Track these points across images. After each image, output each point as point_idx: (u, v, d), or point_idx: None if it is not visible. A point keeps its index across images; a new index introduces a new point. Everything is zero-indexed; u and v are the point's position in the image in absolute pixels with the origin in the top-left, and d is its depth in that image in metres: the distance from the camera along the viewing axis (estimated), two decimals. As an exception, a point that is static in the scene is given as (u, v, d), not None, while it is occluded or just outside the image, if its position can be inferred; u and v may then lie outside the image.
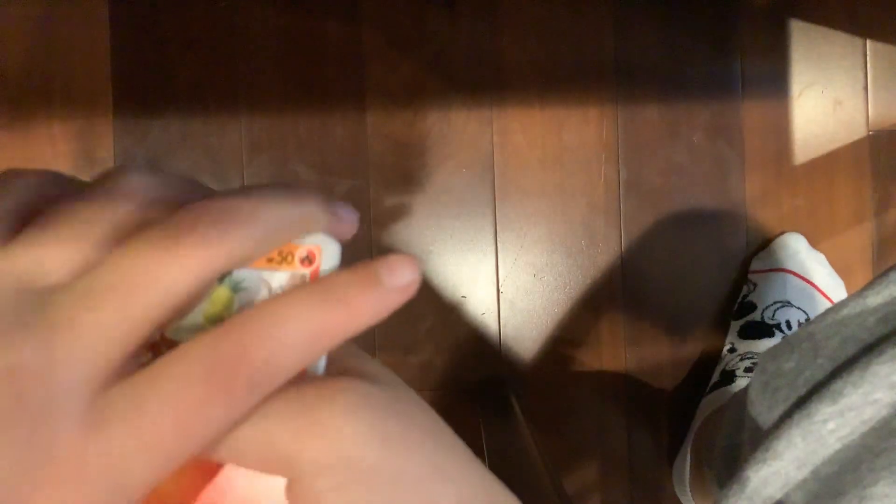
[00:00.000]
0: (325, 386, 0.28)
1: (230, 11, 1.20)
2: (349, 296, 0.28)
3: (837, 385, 0.56)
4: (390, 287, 0.29)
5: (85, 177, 1.15)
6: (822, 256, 1.21)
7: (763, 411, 0.66)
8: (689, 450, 1.12)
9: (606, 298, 1.22)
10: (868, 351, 0.57)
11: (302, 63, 1.20)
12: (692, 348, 1.23)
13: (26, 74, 1.18)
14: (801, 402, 0.59)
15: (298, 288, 0.28)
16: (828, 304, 1.18)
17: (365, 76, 1.21)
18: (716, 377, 1.18)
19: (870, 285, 0.61)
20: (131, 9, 1.19)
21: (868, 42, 1.25)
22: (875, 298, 0.60)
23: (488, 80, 1.22)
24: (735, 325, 1.21)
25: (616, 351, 1.22)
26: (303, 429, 0.27)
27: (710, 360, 1.23)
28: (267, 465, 0.27)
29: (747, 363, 1.13)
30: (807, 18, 1.24)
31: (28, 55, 1.18)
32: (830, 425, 0.56)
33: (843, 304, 0.62)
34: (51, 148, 1.17)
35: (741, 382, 1.11)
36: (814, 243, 1.22)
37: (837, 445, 0.56)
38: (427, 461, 0.29)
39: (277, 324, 0.27)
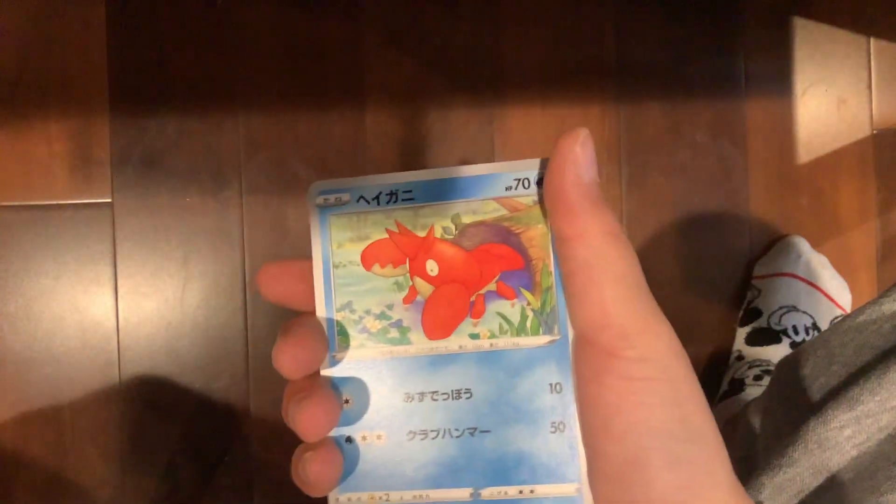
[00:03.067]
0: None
1: (228, 9, 1.19)
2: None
3: (854, 392, 0.56)
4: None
5: (81, 176, 1.14)
6: (825, 259, 1.20)
7: (778, 418, 0.65)
8: None
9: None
10: (884, 358, 0.56)
11: (301, 61, 1.20)
12: (697, 350, 1.23)
13: (22, 73, 1.17)
14: (817, 409, 0.58)
15: None
16: (834, 308, 1.17)
17: (364, 75, 1.20)
18: (725, 386, 1.17)
19: (886, 292, 0.60)
20: (128, 7, 1.18)
21: (872, 40, 1.24)
22: (891, 305, 0.59)
23: (489, 78, 1.21)
24: (741, 332, 1.20)
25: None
26: (642, 320, 0.33)
27: (717, 363, 1.22)
28: (600, 334, 0.33)
29: (756, 371, 1.13)
30: (810, 16, 1.24)
31: (24, 53, 1.17)
32: (847, 432, 0.56)
33: (859, 311, 0.62)
34: (47, 147, 1.16)
35: (751, 391, 1.10)
36: (817, 243, 1.22)
37: (854, 452, 0.56)
38: (700, 405, 0.34)
39: None
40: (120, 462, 1.17)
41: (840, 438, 0.56)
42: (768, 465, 0.59)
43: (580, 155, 0.33)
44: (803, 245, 1.20)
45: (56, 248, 1.16)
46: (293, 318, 0.37)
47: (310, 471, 0.35)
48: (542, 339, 0.36)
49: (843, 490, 0.56)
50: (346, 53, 1.20)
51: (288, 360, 0.35)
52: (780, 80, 1.24)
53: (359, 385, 0.37)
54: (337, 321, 0.37)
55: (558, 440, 0.36)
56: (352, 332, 0.37)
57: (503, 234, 0.37)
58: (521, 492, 0.36)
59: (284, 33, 1.20)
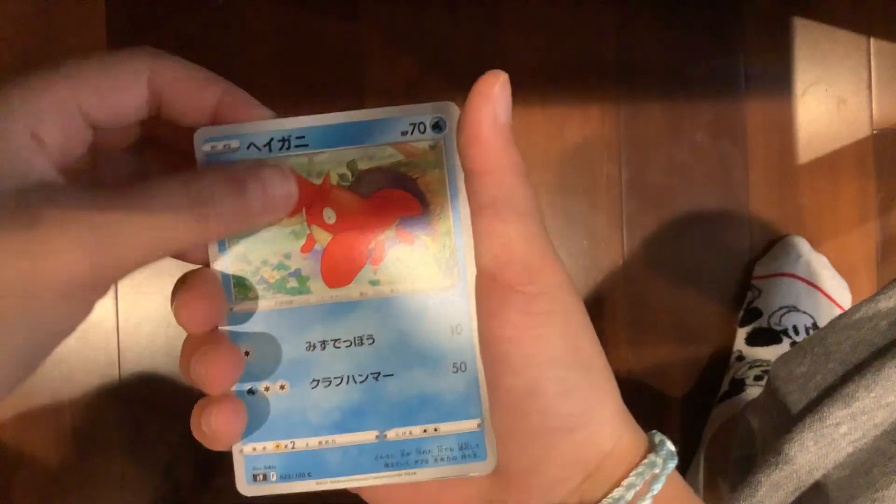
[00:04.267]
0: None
1: (228, 9, 1.19)
2: (214, 200, 0.33)
3: (850, 389, 0.56)
4: (256, 199, 0.34)
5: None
6: (824, 259, 1.20)
7: (775, 416, 0.65)
8: (701, 460, 1.12)
9: (608, 299, 1.22)
10: (880, 355, 0.57)
11: (300, 61, 1.20)
12: (698, 350, 1.23)
13: (22, 73, 1.17)
14: (813, 406, 0.59)
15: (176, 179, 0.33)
16: (834, 307, 1.17)
17: (364, 74, 1.20)
18: (725, 386, 1.17)
19: (882, 290, 0.61)
20: (128, 6, 1.18)
21: (872, 40, 1.24)
22: (887, 303, 0.60)
23: (489, 78, 1.21)
24: (742, 333, 1.20)
25: (618, 353, 1.22)
26: (541, 256, 0.35)
27: (718, 363, 1.22)
28: (504, 269, 0.35)
29: (756, 371, 1.13)
30: (810, 16, 1.24)
31: (24, 53, 1.17)
32: (843, 429, 0.56)
33: (855, 308, 0.62)
34: (47, 147, 1.16)
35: (751, 391, 1.11)
36: (817, 243, 1.22)
37: (849, 449, 0.56)
38: (590, 337, 0.37)
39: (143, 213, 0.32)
40: (120, 462, 1.17)
41: (836, 435, 0.56)
42: (765, 461, 0.60)
43: (498, 95, 0.34)
44: (803, 245, 1.20)
45: (56, 248, 1.16)
46: (188, 272, 0.37)
47: (213, 423, 0.36)
48: (443, 283, 0.37)
49: (839, 486, 0.56)
50: (346, 53, 1.20)
51: (187, 314, 0.35)
52: (780, 80, 1.24)
53: (259, 336, 0.37)
54: (233, 274, 0.37)
55: (459, 379, 0.37)
56: (249, 283, 0.37)
57: (400, 180, 0.37)
58: (424, 430, 0.37)
59: (284, 34, 1.19)
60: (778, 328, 1.15)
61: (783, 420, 0.63)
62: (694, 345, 1.22)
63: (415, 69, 1.21)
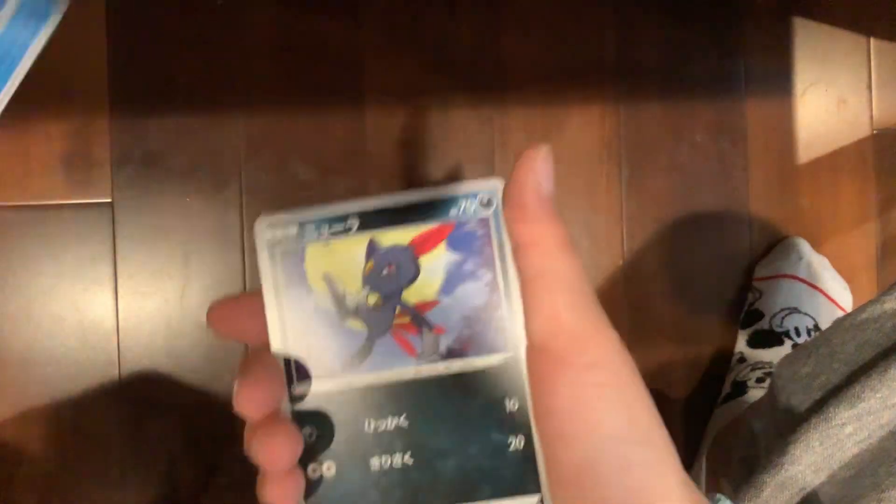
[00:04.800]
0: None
1: (228, 9, 1.19)
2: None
3: (855, 389, 0.56)
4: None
5: (81, 176, 1.14)
6: (825, 260, 1.20)
7: (779, 416, 0.65)
8: (703, 462, 1.12)
9: (608, 299, 1.22)
10: (886, 356, 0.57)
11: (300, 61, 1.19)
12: (698, 351, 1.23)
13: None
14: (819, 407, 0.59)
15: None
16: (835, 309, 1.18)
17: (364, 74, 1.20)
18: (727, 388, 1.17)
19: (887, 291, 0.61)
20: (128, 7, 1.18)
21: (872, 40, 1.24)
22: (892, 304, 0.60)
23: (489, 78, 1.21)
24: (743, 335, 1.20)
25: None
26: (592, 326, 0.35)
27: (719, 364, 1.22)
28: (553, 340, 0.35)
29: (758, 373, 1.13)
30: (810, 16, 1.24)
31: (24, 53, 1.17)
32: (848, 429, 0.56)
33: (860, 309, 0.62)
34: (47, 147, 1.16)
35: (753, 393, 1.11)
36: (817, 243, 1.22)
37: (855, 449, 0.56)
38: (648, 408, 0.36)
39: None
40: (120, 462, 1.17)
41: (841, 436, 0.56)
42: (770, 463, 0.60)
43: (541, 168, 0.35)
44: (804, 247, 1.20)
45: (56, 248, 1.16)
46: (247, 358, 0.38)
47: (272, 496, 0.35)
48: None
49: (844, 487, 0.56)
50: (346, 53, 1.20)
51: (247, 403, 0.36)
52: (780, 80, 1.24)
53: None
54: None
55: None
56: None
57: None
58: None
59: (284, 34, 1.19)
60: (779, 330, 1.16)
61: (787, 420, 0.63)
62: (695, 346, 1.22)
63: (414, 70, 1.21)
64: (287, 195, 1.18)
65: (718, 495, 0.37)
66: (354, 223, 0.37)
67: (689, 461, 1.19)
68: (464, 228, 0.37)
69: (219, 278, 1.17)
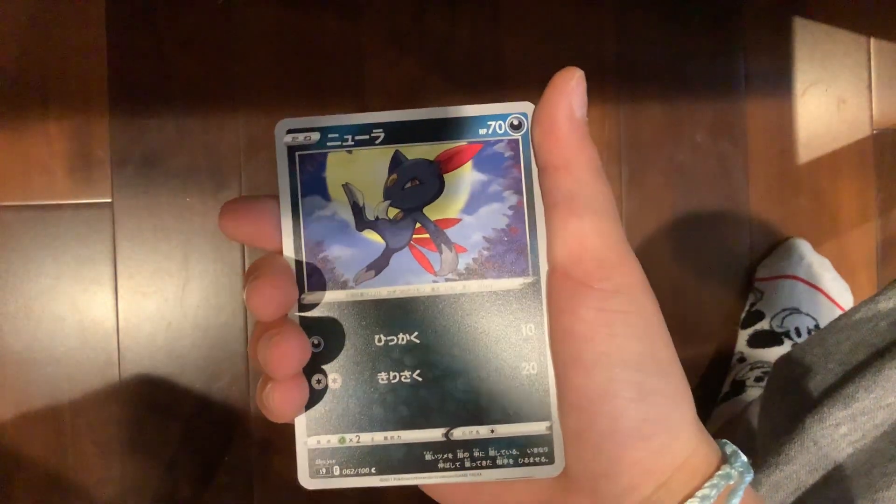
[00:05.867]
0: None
1: (228, 9, 1.19)
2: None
3: (849, 389, 0.56)
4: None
5: (81, 176, 1.14)
6: (826, 261, 1.20)
7: (775, 416, 0.65)
8: None
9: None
10: (880, 356, 0.57)
11: (300, 60, 1.20)
12: (698, 351, 1.22)
13: (22, 73, 1.17)
14: (813, 407, 0.58)
15: None
16: (836, 310, 1.17)
17: (364, 74, 1.20)
18: (726, 387, 1.17)
19: (882, 291, 0.61)
20: (128, 6, 1.18)
21: (872, 40, 1.24)
22: (887, 303, 0.60)
23: (489, 78, 1.21)
24: (743, 335, 1.20)
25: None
26: (617, 254, 0.35)
27: (719, 364, 1.22)
28: (577, 265, 0.35)
29: (757, 373, 1.13)
30: (810, 16, 1.24)
31: (23, 53, 1.17)
32: (843, 430, 0.56)
33: (854, 309, 0.62)
34: (47, 147, 1.16)
35: (752, 392, 1.11)
36: (817, 243, 1.22)
37: (849, 450, 0.56)
38: (667, 342, 0.36)
39: None
40: (120, 462, 1.17)
41: (836, 436, 0.56)
42: (765, 462, 0.59)
43: (574, 90, 0.35)
44: (805, 247, 1.20)
45: (56, 248, 1.16)
46: (260, 258, 0.37)
47: (274, 398, 0.35)
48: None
49: (839, 487, 0.56)
50: (346, 53, 1.20)
51: (261, 300, 0.35)
52: (780, 80, 1.24)
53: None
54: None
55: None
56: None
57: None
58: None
59: (284, 33, 1.20)
60: (780, 330, 1.15)
61: (782, 420, 0.63)
62: (695, 345, 1.22)
63: (415, 69, 1.21)
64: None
65: (725, 441, 0.37)
66: (380, 135, 0.37)
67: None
68: (492, 149, 0.37)
69: (219, 278, 1.17)
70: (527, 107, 0.37)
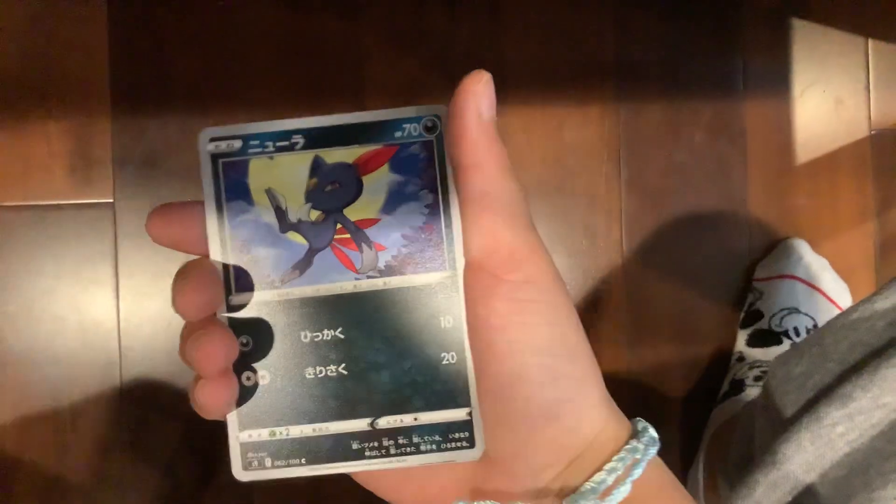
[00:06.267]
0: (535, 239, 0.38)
1: (228, 9, 1.19)
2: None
3: (846, 389, 0.56)
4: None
5: (81, 176, 1.14)
6: (825, 261, 1.20)
7: (772, 416, 0.66)
8: (701, 460, 1.12)
9: (607, 299, 1.22)
10: (877, 355, 0.57)
11: (301, 61, 1.20)
12: (698, 351, 1.23)
13: (22, 72, 1.17)
14: (810, 406, 0.59)
15: None
16: (834, 309, 1.18)
17: (364, 74, 1.20)
18: (725, 387, 1.18)
19: (879, 290, 0.61)
20: (129, 7, 1.18)
21: (870, 41, 1.24)
22: (884, 303, 0.60)
23: (488, 78, 1.21)
24: (742, 334, 1.20)
25: (618, 353, 1.22)
26: (528, 246, 0.37)
27: (718, 363, 1.22)
28: (490, 258, 0.37)
29: (756, 372, 1.13)
30: (809, 17, 1.24)
31: (24, 53, 1.17)
32: (839, 429, 0.56)
33: (852, 308, 0.63)
34: (47, 147, 1.16)
35: (750, 391, 1.11)
36: (816, 243, 1.22)
37: (846, 449, 0.56)
38: (576, 327, 0.38)
39: None
40: (120, 462, 1.17)
41: (833, 435, 0.56)
42: (762, 462, 0.60)
43: (482, 93, 0.36)
44: (804, 247, 1.20)
45: (56, 248, 1.16)
46: (188, 261, 0.38)
47: (204, 395, 0.36)
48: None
49: (836, 486, 0.56)
50: (346, 53, 1.20)
51: (183, 301, 0.36)
52: (778, 81, 1.24)
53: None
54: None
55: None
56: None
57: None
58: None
59: (284, 34, 1.20)
60: (779, 330, 1.16)
61: (780, 420, 0.63)
62: (694, 345, 1.22)
63: (415, 69, 1.21)
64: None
65: (638, 418, 0.39)
66: (300, 140, 0.38)
67: (687, 459, 1.19)
68: (407, 150, 0.38)
69: (219, 278, 1.17)
70: (440, 109, 0.38)
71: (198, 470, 1.18)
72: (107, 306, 1.17)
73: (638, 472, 0.37)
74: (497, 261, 0.37)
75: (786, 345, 1.15)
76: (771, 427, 0.66)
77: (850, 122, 1.24)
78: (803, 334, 1.15)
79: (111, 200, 1.17)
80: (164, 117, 1.18)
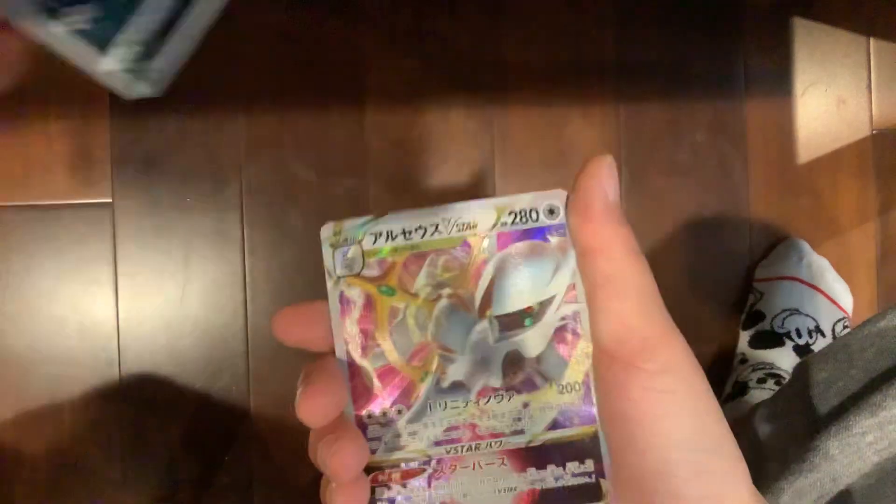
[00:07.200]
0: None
1: (228, 10, 1.18)
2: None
3: (877, 398, 0.56)
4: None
5: (81, 176, 1.14)
6: (826, 262, 1.21)
7: (795, 421, 0.65)
8: None
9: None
10: None
11: (300, 61, 1.19)
12: (699, 352, 1.21)
13: (22, 73, 1.16)
14: (838, 414, 0.59)
15: None
16: (836, 310, 1.18)
17: (364, 75, 1.20)
18: (728, 389, 1.18)
19: None
20: (128, 6, 1.18)
21: (872, 40, 1.25)
22: None
23: (489, 78, 1.21)
24: (744, 336, 1.20)
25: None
26: (661, 332, 0.35)
27: (720, 365, 1.23)
28: (622, 346, 0.35)
29: (760, 374, 1.13)
30: (810, 17, 1.24)
31: (24, 53, 1.16)
32: (869, 438, 0.56)
33: (879, 315, 0.62)
34: (47, 147, 1.16)
35: (755, 394, 1.11)
36: (817, 243, 1.22)
37: (875, 458, 0.56)
38: (719, 417, 0.36)
39: None
40: (120, 462, 1.17)
41: (862, 444, 0.56)
42: (787, 469, 0.60)
43: (606, 176, 0.35)
44: (805, 248, 1.20)
45: (56, 248, 1.16)
46: (310, 364, 0.37)
47: (337, 502, 0.35)
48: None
49: (864, 495, 0.56)
50: (346, 54, 1.20)
51: (310, 409, 0.35)
52: (779, 81, 1.24)
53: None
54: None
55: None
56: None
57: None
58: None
59: (284, 34, 1.19)
60: (780, 331, 1.16)
61: (803, 426, 0.63)
62: (694, 346, 1.22)
63: (416, 70, 1.21)
64: (287, 195, 1.17)
65: None
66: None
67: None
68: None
69: (219, 278, 1.17)
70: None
71: (198, 470, 1.18)
72: (106, 306, 1.16)
73: None
74: (629, 348, 0.35)
75: (787, 346, 1.15)
76: (792, 433, 0.66)
77: (852, 122, 1.24)
78: (805, 336, 1.15)
79: (111, 200, 1.16)
80: (164, 118, 1.17)
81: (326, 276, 0.37)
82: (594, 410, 0.36)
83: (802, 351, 1.15)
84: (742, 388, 1.13)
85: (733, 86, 1.24)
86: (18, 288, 1.16)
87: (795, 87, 1.24)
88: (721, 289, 1.24)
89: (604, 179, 0.35)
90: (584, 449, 0.36)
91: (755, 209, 1.23)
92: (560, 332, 0.37)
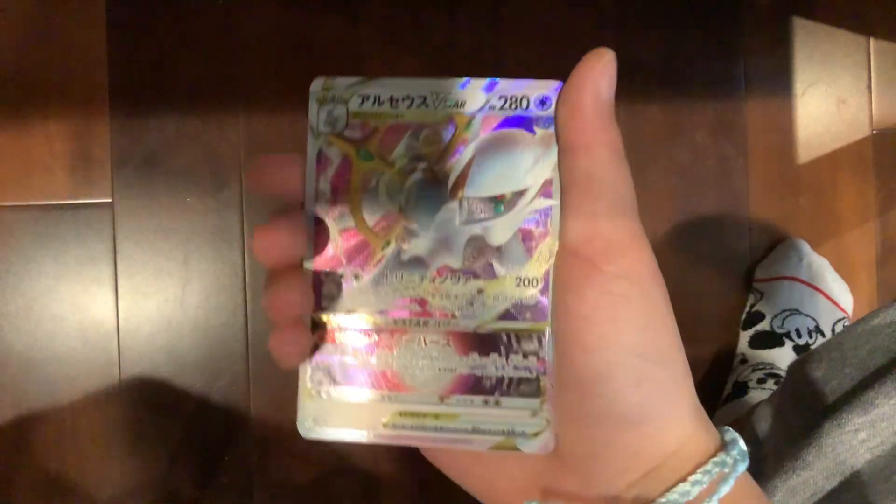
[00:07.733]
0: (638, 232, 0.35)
1: (228, 9, 1.18)
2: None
3: (869, 395, 0.56)
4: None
5: (81, 176, 1.14)
6: (826, 262, 1.20)
7: (790, 420, 0.65)
8: None
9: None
10: None
11: (300, 61, 1.19)
12: (699, 352, 1.23)
13: (22, 73, 1.17)
14: (831, 412, 0.58)
15: None
16: (836, 310, 1.18)
17: (363, 73, 1.19)
18: (728, 389, 1.17)
19: None
20: (128, 7, 1.18)
21: (871, 40, 1.25)
22: None
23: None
24: (744, 336, 1.20)
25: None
26: (629, 238, 0.34)
27: (720, 365, 1.22)
28: (586, 245, 0.34)
29: (760, 374, 1.13)
30: (810, 17, 1.24)
31: (24, 54, 1.17)
32: (861, 435, 0.56)
33: (873, 314, 0.62)
34: (47, 147, 1.16)
35: (755, 394, 1.11)
36: (817, 244, 1.22)
37: (868, 456, 0.56)
38: (671, 329, 0.35)
39: None
40: (120, 462, 1.17)
41: (854, 442, 0.56)
42: (781, 467, 0.60)
43: (601, 72, 0.34)
44: (805, 248, 1.20)
45: (56, 248, 1.16)
46: (279, 209, 0.37)
47: (275, 344, 0.35)
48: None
49: (856, 493, 0.56)
50: (346, 53, 1.20)
51: (267, 245, 0.35)
52: (779, 81, 1.24)
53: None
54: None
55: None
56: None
57: None
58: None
59: (284, 33, 1.19)
60: (780, 331, 1.16)
61: (798, 424, 0.63)
62: (695, 346, 1.22)
63: (414, 69, 1.21)
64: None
65: (727, 427, 0.37)
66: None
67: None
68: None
69: (219, 278, 1.17)
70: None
71: (197, 469, 1.18)
72: (106, 306, 1.16)
73: (725, 489, 0.34)
74: (593, 248, 0.34)
75: (787, 346, 1.15)
76: (787, 430, 0.65)
77: (852, 122, 1.24)
78: (805, 336, 1.15)
79: (110, 200, 1.16)
80: (164, 117, 1.18)
81: (308, 130, 0.37)
82: (549, 309, 0.36)
83: (802, 351, 1.14)
84: (742, 389, 1.13)
85: (733, 86, 1.23)
86: (18, 288, 1.16)
87: (795, 87, 1.24)
88: (721, 288, 1.23)
89: (598, 75, 0.34)
90: (530, 344, 0.36)
91: (755, 209, 1.23)
92: (528, 225, 0.36)
